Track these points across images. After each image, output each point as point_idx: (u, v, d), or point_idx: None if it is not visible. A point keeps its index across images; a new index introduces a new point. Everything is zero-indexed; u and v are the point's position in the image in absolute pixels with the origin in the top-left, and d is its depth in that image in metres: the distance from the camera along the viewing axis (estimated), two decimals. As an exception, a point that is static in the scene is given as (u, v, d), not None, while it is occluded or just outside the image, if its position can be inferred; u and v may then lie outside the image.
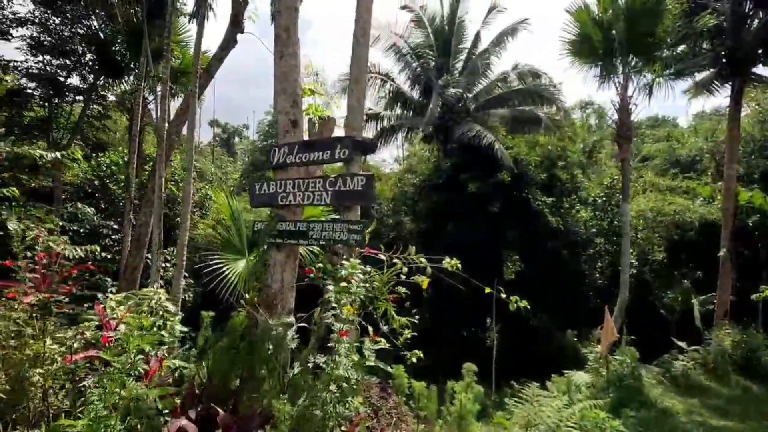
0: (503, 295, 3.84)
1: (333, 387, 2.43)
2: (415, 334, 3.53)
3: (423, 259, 3.87)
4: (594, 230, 14.97)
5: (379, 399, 4.78)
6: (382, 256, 3.51)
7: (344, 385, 2.43)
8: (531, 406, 5.39)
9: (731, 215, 13.86)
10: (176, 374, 3.84)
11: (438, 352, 17.93)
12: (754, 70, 15.33)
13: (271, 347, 3.24)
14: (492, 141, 12.90)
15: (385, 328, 3.46)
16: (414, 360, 3.32)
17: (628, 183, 11.77)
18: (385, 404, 4.41)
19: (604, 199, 16.06)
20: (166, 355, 3.75)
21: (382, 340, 3.26)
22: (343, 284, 3.08)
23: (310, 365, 2.46)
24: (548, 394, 6.18)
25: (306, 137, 4.35)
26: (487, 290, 3.96)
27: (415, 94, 17.34)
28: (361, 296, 3.10)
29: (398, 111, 17.91)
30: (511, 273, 11.45)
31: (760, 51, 13.95)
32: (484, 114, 15.99)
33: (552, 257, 13.29)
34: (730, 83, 14.78)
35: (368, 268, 3.44)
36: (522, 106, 16.00)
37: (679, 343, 12.30)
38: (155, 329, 3.72)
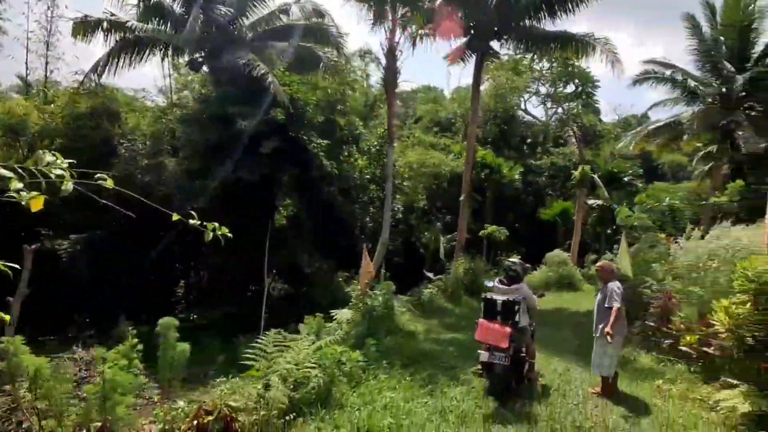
0: (192, 222, 2.80)
1: None
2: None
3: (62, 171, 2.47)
4: (368, 177, 15.74)
5: None
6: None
7: None
8: (270, 353, 4.79)
9: (470, 167, 16.59)
10: None
11: (216, 311, 16.37)
12: (493, 45, 18.35)
13: None
14: (265, 73, 11.57)
15: None
16: None
17: (393, 126, 12.47)
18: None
19: (377, 148, 17.01)
20: None
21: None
22: None
23: None
24: (294, 337, 5.76)
25: None
26: (176, 217, 2.83)
27: (177, 6, 14.17)
28: None
29: (155, 26, 14.39)
30: (282, 218, 10.80)
31: (496, 29, 16.65)
32: (261, 45, 14.34)
33: (328, 202, 13.27)
34: (475, 54, 17.30)
35: None
36: (303, 44, 15.03)
37: (428, 275, 14.33)
38: None
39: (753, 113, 19.04)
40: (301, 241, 12.42)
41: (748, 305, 4.58)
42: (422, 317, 10.94)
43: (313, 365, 4.85)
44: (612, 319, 4.96)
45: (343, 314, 8.66)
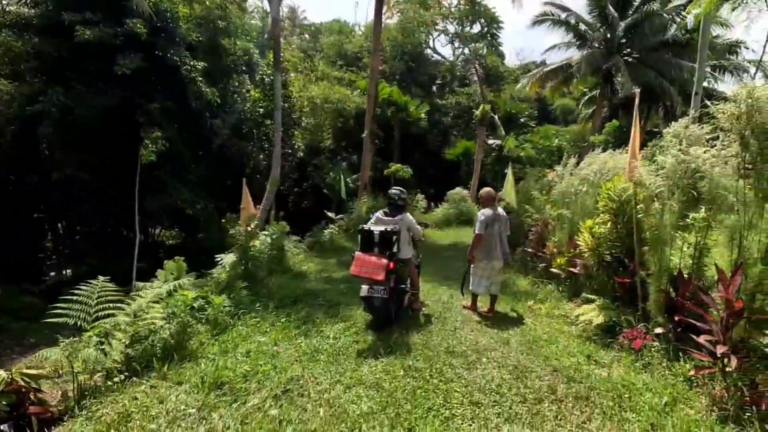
0: None
1: None
2: None
3: None
4: (261, 110, 14.23)
5: None
6: None
7: None
8: (93, 305, 3.92)
9: (373, 101, 15.87)
10: None
11: (86, 265, 14.25)
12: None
13: None
14: (115, -30, 9.29)
15: None
16: None
17: (279, 49, 11.13)
18: None
19: (272, 78, 15.37)
20: None
21: None
22: None
23: None
24: (144, 285, 4.90)
25: None
26: None
27: None
28: None
29: None
30: (151, 154, 9.20)
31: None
32: (113, -63, 11.47)
33: (210, 137, 11.76)
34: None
35: None
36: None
37: (330, 215, 13.83)
38: None
39: (630, 59, 20.69)
40: (180, 180, 10.94)
41: (609, 224, 4.75)
42: (319, 257, 10.55)
43: (161, 315, 4.11)
44: (471, 244, 5.33)
45: (228, 258, 7.86)
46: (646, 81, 18.77)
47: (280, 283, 6.97)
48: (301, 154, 17.43)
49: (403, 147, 23.87)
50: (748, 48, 21.87)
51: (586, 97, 26.09)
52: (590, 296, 5.06)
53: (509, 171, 8.88)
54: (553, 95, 26.67)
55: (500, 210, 5.49)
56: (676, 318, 3.77)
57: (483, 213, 5.25)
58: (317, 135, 21.06)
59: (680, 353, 3.64)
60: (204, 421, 2.86)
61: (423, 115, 23.29)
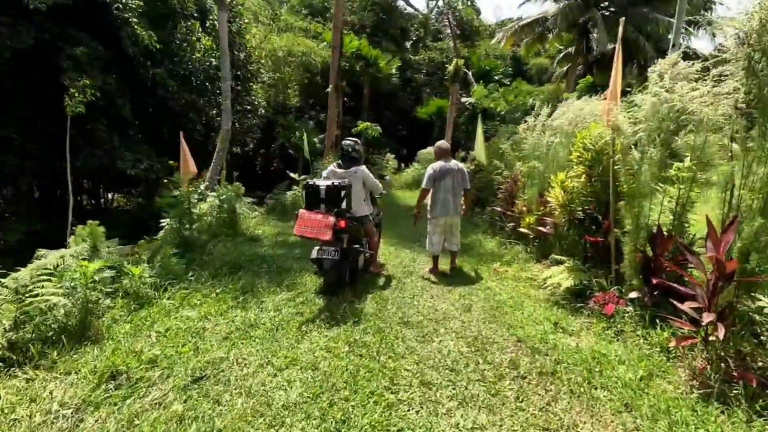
0: None
1: None
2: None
3: None
4: (213, 61, 12.87)
5: None
6: None
7: None
8: None
9: (338, 52, 14.73)
10: None
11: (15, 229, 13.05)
12: None
13: None
14: None
15: None
16: None
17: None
18: None
19: (228, 25, 13.88)
20: None
21: None
22: None
23: None
24: (45, 254, 4.14)
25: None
26: None
27: None
28: None
29: None
30: (78, 105, 8.06)
31: None
32: None
33: (152, 87, 10.54)
34: None
35: None
36: None
37: (292, 175, 13.00)
38: None
39: (607, 12, 19.93)
40: (119, 136, 9.82)
41: (583, 178, 4.26)
42: (279, 220, 9.88)
43: (58, 291, 3.41)
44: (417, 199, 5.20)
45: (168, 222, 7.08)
46: (623, 35, 18.18)
47: (226, 248, 6.28)
48: (263, 111, 16.23)
49: (373, 105, 22.79)
50: (722, 4, 21.44)
51: (561, 54, 25.38)
52: (559, 257, 4.64)
53: (479, 126, 8.26)
54: (529, 53, 25.80)
55: (453, 163, 5.02)
56: (654, 281, 3.36)
57: (432, 167, 4.90)
58: (282, 91, 19.71)
59: (657, 320, 3.25)
60: (79, 425, 2.26)
61: (394, 71, 22.09)
